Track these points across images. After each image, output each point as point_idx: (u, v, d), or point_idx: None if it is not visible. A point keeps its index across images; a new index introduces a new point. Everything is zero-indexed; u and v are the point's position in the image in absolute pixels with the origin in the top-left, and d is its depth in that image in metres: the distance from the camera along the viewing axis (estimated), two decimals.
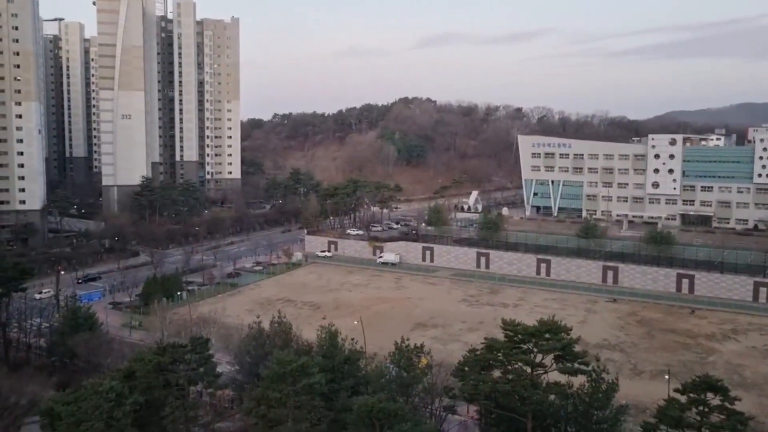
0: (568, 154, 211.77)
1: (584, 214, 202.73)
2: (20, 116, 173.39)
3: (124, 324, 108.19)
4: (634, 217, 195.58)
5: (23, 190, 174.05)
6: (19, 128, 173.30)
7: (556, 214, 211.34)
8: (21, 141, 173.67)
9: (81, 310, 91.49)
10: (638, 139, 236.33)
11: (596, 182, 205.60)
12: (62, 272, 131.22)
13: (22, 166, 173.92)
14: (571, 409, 54.52)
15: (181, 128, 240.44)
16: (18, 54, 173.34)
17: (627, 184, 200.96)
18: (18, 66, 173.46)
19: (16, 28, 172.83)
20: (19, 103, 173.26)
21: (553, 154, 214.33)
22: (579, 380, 55.62)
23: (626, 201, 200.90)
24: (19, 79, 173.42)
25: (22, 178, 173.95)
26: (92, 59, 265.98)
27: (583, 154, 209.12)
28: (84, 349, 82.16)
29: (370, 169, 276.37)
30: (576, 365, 53.85)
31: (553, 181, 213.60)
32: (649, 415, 56.44)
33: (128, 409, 48.71)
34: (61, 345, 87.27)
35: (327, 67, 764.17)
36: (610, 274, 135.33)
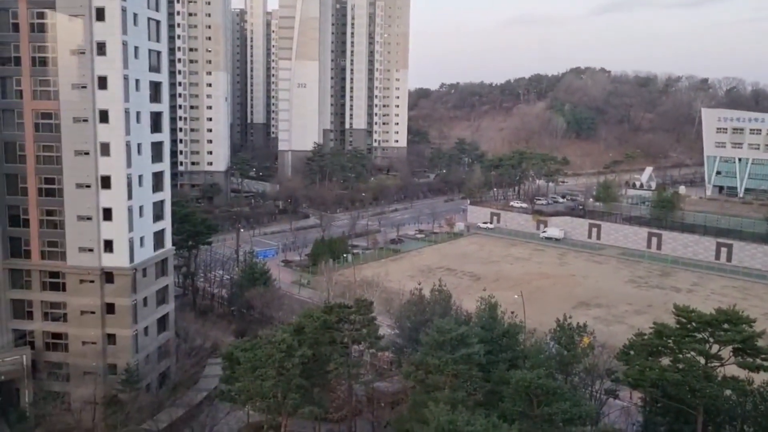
0: (760, 130, 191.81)
1: None
2: (210, 85, 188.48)
3: (294, 281, 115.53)
4: None
5: (211, 152, 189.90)
6: (209, 96, 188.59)
7: (742, 195, 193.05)
8: (210, 108, 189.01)
9: (257, 265, 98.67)
10: None
11: None
12: (242, 230, 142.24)
13: (210, 131, 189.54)
14: (750, 408, 50.59)
15: (351, 97, 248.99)
16: (209, 27, 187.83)
17: None
18: (209, 38, 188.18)
19: (209, 3, 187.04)
20: (209, 73, 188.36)
21: (742, 129, 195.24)
22: (761, 377, 51.17)
23: None
24: (210, 51, 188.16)
25: (210, 141, 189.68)
26: (273, 31, 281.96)
27: None
28: (259, 302, 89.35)
29: (537, 141, 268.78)
30: (759, 361, 49.39)
31: (740, 159, 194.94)
32: None
33: (297, 361, 52.02)
34: (239, 296, 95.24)
35: (495, 36, 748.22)
36: None
